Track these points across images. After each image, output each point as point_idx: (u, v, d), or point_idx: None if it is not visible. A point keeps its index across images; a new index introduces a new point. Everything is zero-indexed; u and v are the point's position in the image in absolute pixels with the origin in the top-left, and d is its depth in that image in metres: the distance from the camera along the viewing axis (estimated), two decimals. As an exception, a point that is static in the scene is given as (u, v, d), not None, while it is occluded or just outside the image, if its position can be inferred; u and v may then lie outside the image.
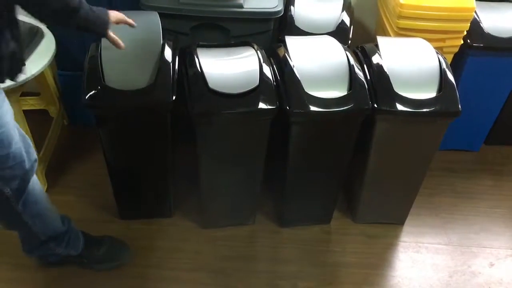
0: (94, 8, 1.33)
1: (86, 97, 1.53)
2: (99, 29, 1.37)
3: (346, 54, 1.69)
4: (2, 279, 1.77)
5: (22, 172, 1.40)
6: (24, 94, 2.12)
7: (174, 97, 1.58)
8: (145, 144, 1.72)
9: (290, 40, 1.75)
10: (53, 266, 1.77)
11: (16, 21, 1.20)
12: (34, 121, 1.97)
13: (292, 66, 1.64)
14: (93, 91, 1.53)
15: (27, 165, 1.41)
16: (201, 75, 1.58)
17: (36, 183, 1.52)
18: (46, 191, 2.05)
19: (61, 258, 1.73)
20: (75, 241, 1.72)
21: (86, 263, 1.77)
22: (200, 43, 1.74)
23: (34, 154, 1.47)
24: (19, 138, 1.39)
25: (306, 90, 1.59)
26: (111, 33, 1.40)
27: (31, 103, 2.33)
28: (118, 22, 1.44)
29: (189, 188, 2.04)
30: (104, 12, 1.38)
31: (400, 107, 1.61)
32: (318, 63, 1.67)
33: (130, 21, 1.47)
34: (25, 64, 1.31)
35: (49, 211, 1.61)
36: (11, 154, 1.34)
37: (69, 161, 2.21)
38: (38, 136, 2.00)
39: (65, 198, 2.04)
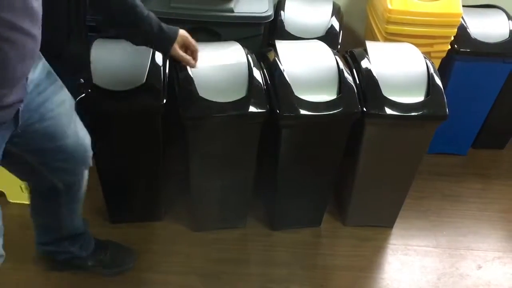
0: (165, 25, 1.39)
1: (77, 100, 1.53)
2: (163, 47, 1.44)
3: (336, 59, 1.71)
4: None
5: (74, 166, 1.39)
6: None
7: (164, 100, 1.59)
8: (135, 147, 1.72)
9: (280, 44, 1.76)
10: (59, 266, 1.76)
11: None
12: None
13: (282, 70, 1.65)
14: (84, 93, 1.53)
15: (79, 163, 1.40)
16: (191, 79, 1.59)
17: (86, 181, 1.53)
18: (36, 195, 2.04)
19: (69, 257, 1.71)
20: (89, 244, 1.73)
21: (91, 266, 1.76)
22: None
23: (89, 149, 1.43)
24: (75, 130, 1.34)
25: (296, 93, 1.60)
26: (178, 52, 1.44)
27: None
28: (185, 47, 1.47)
29: (179, 191, 2.04)
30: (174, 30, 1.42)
31: (388, 111, 1.63)
32: (308, 67, 1.69)
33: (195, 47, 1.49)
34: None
35: (80, 210, 1.63)
36: (63, 147, 1.31)
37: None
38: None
39: None
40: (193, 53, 1.50)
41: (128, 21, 1.35)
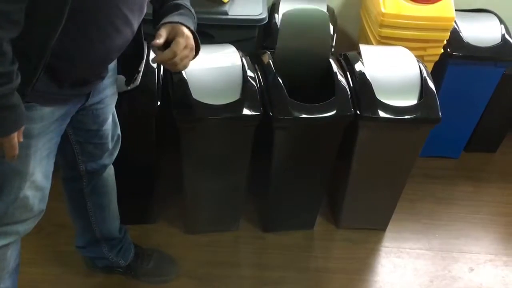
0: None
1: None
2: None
3: (330, 61, 1.71)
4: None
5: (101, 153, 1.44)
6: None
7: (158, 102, 1.58)
8: (129, 149, 1.71)
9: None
10: (100, 271, 1.76)
11: None
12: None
13: (276, 73, 1.65)
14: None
15: (106, 151, 1.45)
16: (185, 82, 1.58)
17: (111, 176, 1.57)
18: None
19: (109, 264, 1.72)
20: (127, 251, 1.73)
21: (133, 275, 1.76)
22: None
23: (118, 141, 1.50)
24: (111, 123, 1.42)
25: (289, 96, 1.61)
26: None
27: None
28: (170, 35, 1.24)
29: (172, 193, 2.03)
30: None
31: (382, 114, 1.64)
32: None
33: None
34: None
35: (112, 210, 1.63)
36: (100, 133, 1.39)
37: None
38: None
39: (48, 204, 2.01)
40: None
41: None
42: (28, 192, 1.19)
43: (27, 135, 1.09)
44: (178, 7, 1.28)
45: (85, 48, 1.08)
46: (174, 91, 1.59)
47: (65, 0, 0.93)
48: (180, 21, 1.21)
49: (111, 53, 1.15)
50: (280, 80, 1.63)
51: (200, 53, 1.65)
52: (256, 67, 1.74)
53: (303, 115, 1.59)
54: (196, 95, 1.56)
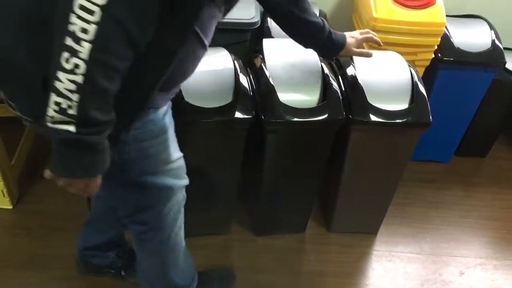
0: (334, 35, 1.52)
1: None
2: (330, 54, 1.64)
3: (321, 65, 1.72)
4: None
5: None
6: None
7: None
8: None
9: (267, 48, 1.77)
10: (90, 272, 1.76)
11: None
12: (7, 128, 1.93)
13: (268, 76, 1.65)
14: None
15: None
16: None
17: None
18: (18, 199, 2.02)
19: (105, 264, 1.73)
20: (125, 252, 1.74)
21: (124, 276, 1.77)
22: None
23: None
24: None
25: (281, 100, 1.61)
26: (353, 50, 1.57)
27: (4, 110, 2.29)
28: (362, 43, 1.60)
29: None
30: (341, 39, 1.54)
31: (373, 117, 1.65)
32: (294, 73, 1.69)
33: (376, 38, 1.62)
34: None
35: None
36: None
37: (42, 170, 2.17)
38: (11, 143, 1.97)
39: (37, 207, 2.01)
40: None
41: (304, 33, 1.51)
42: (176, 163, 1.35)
43: (163, 131, 1.24)
44: (325, 28, 1.49)
45: (184, 75, 1.19)
46: (166, 93, 1.59)
47: (174, 53, 1.00)
48: (341, 45, 1.54)
49: (190, 75, 1.24)
50: (272, 83, 1.63)
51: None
52: (248, 70, 1.75)
53: (295, 119, 1.60)
54: (188, 97, 1.56)
